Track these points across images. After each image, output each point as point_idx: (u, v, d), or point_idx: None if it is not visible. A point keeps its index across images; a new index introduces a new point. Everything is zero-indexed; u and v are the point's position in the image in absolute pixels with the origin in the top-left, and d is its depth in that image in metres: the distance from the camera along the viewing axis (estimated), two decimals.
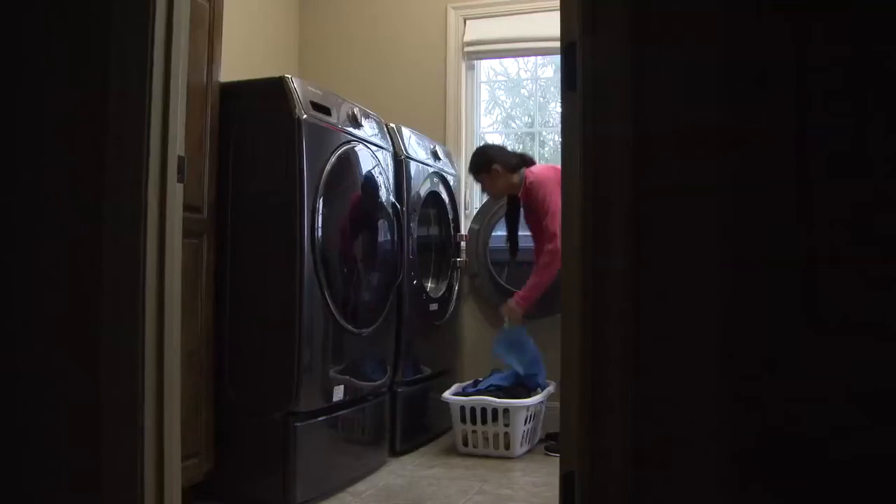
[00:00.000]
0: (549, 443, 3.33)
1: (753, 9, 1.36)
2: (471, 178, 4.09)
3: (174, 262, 1.75)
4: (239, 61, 3.10)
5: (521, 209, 3.47)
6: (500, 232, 3.80)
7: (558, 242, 2.79)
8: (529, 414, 3.25)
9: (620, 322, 1.36)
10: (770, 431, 1.34)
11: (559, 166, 1.53)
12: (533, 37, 3.83)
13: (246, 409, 2.51)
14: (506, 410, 3.18)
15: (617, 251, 1.38)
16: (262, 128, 2.58)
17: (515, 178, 3.41)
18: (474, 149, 3.67)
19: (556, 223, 3.09)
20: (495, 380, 3.41)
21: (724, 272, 1.35)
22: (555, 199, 3.18)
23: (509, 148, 3.77)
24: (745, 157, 1.33)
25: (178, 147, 1.75)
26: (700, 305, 1.36)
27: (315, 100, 2.62)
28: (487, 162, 3.41)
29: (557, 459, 3.09)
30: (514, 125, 4.54)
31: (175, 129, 1.72)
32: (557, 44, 3.99)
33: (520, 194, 3.42)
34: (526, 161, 3.46)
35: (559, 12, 1.53)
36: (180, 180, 1.77)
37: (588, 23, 1.39)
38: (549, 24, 3.81)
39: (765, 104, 1.33)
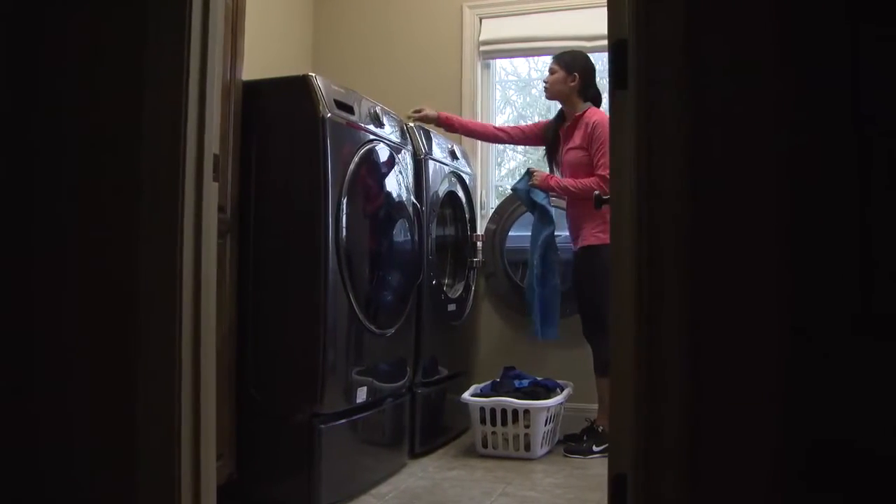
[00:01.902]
0: (569, 444, 3.31)
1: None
2: (487, 175, 4.07)
3: (210, 262, 1.72)
4: (252, 59, 3.06)
5: (566, 133, 3.37)
6: (517, 232, 3.78)
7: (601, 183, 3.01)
8: (550, 415, 3.23)
9: (676, 330, 1.34)
10: (827, 437, 1.32)
11: None
12: (550, 36, 3.80)
13: (269, 410, 2.48)
14: (526, 412, 3.16)
15: (670, 263, 1.35)
16: (285, 126, 2.55)
17: (579, 101, 3.33)
18: (572, 50, 3.46)
19: (606, 168, 2.88)
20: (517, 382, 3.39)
21: (779, 278, 1.33)
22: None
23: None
24: (807, 162, 1.31)
25: (213, 145, 1.72)
26: (757, 314, 1.34)
27: (338, 98, 2.59)
28: (573, 67, 3.32)
29: (578, 461, 3.15)
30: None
31: (211, 127, 1.70)
32: (574, 43, 3.92)
33: (578, 114, 3.30)
34: (595, 102, 3.36)
35: (605, 8, 1.50)
36: (215, 179, 1.75)
37: (641, 17, 1.36)
38: (566, 23, 3.79)
39: (825, 101, 1.31)
